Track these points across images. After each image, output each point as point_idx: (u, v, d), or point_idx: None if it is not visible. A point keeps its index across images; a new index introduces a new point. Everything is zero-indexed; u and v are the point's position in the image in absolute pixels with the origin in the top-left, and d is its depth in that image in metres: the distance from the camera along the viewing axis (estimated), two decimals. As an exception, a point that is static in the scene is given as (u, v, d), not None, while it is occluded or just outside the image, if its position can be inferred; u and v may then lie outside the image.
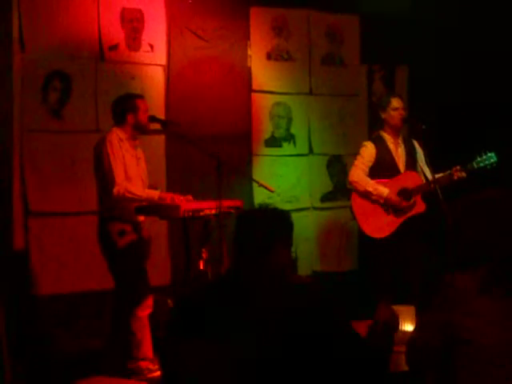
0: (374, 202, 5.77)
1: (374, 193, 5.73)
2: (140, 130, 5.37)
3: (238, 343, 2.52)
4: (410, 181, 5.77)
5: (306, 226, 7.37)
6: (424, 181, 5.80)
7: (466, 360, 2.42)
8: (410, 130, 6.74)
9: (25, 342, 5.54)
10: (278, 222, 2.80)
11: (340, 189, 7.35)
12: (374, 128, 6.59)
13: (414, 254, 5.82)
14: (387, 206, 5.74)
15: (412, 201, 5.72)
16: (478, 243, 2.54)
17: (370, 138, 6.12)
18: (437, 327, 2.49)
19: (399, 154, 5.88)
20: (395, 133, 5.90)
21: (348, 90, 7.64)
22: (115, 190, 5.05)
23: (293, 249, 7.46)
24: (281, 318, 2.52)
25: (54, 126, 6.06)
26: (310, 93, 7.42)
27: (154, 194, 5.20)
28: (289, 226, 2.82)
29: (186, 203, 5.09)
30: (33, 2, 5.92)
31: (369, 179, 5.78)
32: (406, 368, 2.97)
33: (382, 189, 5.73)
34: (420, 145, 5.92)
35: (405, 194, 5.72)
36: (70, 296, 6.00)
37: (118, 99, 5.38)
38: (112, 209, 5.16)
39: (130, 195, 5.06)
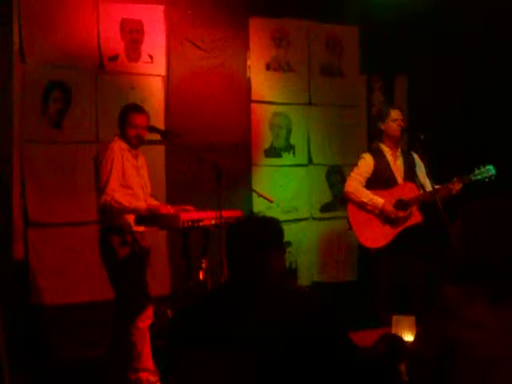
0: (370, 212, 5.77)
1: (369, 203, 5.73)
2: (127, 142, 5.28)
3: (239, 352, 2.52)
4: (407, 192, 5.77)
5: (305, 237, 7.37)
6: (421, 192, 5.81)
7: (464, 373, 2.41)
8: (409, 141, 6.75)
9: (25, 352, 5.53)
10: (268, 230, 2.81)
11: (339, 199, 7.35)
12: (373, 138, 6.60)
13: (413, 264, 5.83)
14: (383, 216, 5.75)
15: (408, 211, 5.72)
16: (480, 253, 2.53)
17: (368, 150, 6.12)
18: (434, 340, 2.48)
19: (397, 166, 5.88)
20: (394, 144, 5.90)
21: (347, 100, 7.65)
22: (102, 199, 5.03)
23: (293, 259, 7.49)
24: (279, 326, 2.53)
25: (53, 136, 6.07)
26: (310, 103, 7.44)
27: (142, 205, 5.17)
28: (279, 232, 2.83)
29: (186, 213, 5.09)
30: (33, 12, 5.94)
31: (364, 190, 5.78)
32: (405, 379, 2.98)
33: (377, 199, 5.73)
34: (420, 156, 5.92)
35: (401, 204, 5.72)
36: (69, 306, 5.99)
37: (123, 107, 5.37)
38: (112, 219, 5.15)
39: (116, 205, 5.03)
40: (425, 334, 2.57)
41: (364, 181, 5.82)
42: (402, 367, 2.96)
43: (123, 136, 5.26)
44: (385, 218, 5.74)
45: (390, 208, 5.70)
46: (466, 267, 2.55)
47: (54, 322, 5.93)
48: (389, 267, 5.79)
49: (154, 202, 5.42)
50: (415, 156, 5.98)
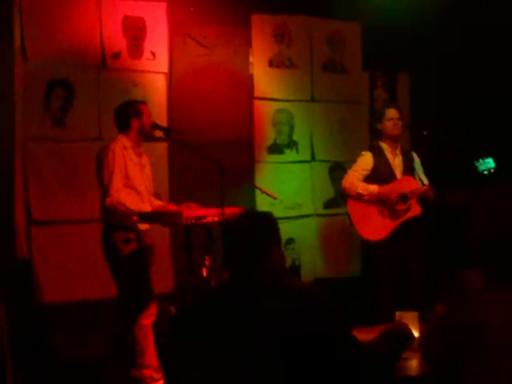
0: (369, 204, 5.80)
1: (365, 193, 5.79)
2: (144, 135, 5.38)
3: (240, 350, 2.51)
4: (406, 185, 5.81)
5: (308, 233, 7.37)
6: (420, 185, 5.86)
7: (485, 363, 2.37)
8: (412, 137, 6.75)
9: (28, 350, 5.53)
10: (265, 225, 2.80)
11: (342, 195, 7.34)
12: (375, 135, 6.59)
13: (415, 256, 5.86)
14: (382, 205, 5.78)
15: (408, 204, 5.76)
16: (499, 237, 2.48)
17: (368, 148, 6.16)
18: (454, 328, 2.43)
19: (397, 164, 5.93)
20: (393, 143, 5.95)
21: (350, 96, 7.64)
22: (108, 201, 5.07)
23: (296, 255, 7.48)
24: (281, 324, 2.52)
25: (56, 133, 6.07)
26: (312, 100, 7.42)
27: (147, 208, 5.20)
28: (274, 225, 2.82)
29: (189, 210, 5.09)
30: (35, 10, 5.93)
31: (360, 182, 5.83)
32: (411, 374, 2.97)
33: (373, 187, 5.79)
34: (422, 151, 5.96)
35: (401, 197, 5.76)
36: (73, 304, 5.98)
37: (122, 105, 5.39)
38: (116, 217, 5.15)
39: (122, 207, 5.06)
40: (445, 322, 2.51)
41: (361, 177, 5.87)
42: (407, 364, 2.96)
43: (141, 131, 5.32)
44: (384, 205, 5.76)
45: (387, 191, 5.73)
46: (486, 250, 2.50)
47: (57, 319, 5.93)
48: (390, 260, 5.82)
49: (157, 202, 5.44)
50: (414, 155, 6.04)
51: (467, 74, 7.20)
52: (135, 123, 5.31)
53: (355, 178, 5.86)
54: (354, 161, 6.11)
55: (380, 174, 5.87)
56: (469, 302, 2.43)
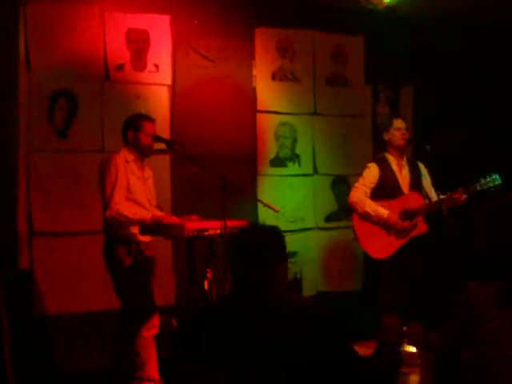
0: (375, 223, 5.77)
1: (373, 214, 5.75)
2: (139, 151, 5.33)
3: (242, 365, 2.51)
4: (412, 202, 5.77)
5: (310, 246, 7.36)
6: (427, 202, 5.82)
7: (493, 375, 2.36)
8: (414, 152, 6.74)
9: (29, 361, 5.52)
10: (271, 238, 2.81)
11: (344, 209, 7.33)
12: (378, 148, 6.59)
13: (418, 274, 5.82)
14: (388, 227, 5.75)
15: (414, 222, 5.73)
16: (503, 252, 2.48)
17: (373, 160, 6.13)
18: (462, 342, 2.43)
19: (403, 176, 5.89)
20: (399, 154, 5.92)
21: (353, 110, 7.65)
22: (107, 213, 5.07)
23: (298, 269, 7.45)
24: (281, 340, 2.52)
25: (59, 145, 6.07)
26: (315, 113, 7.43)
27: (147, 215, 5.18)
28: (281, 239, 2.84)
29: (191, 223, 5.08)
30: (39, 21, 5.95)
31: (368, 200, 5.80)
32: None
33: (382, 210, 5.73)
34: (425, 166, 5.94)
35: (407, 214, 5.73)
36: (74, 316, 5.98)
37: (128, 117, 5.38)
38: (118, 229, 5.15)
39: (121, 218, 5.05)
40: (453, 336, 2.50)
41: (369, 191, 5.84)
42: (407, 380, 2.95)
43: (135, 145, 5.28)
44: (390, 228, 5.74)
45: (394, 219, 5.70)
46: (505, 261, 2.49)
47: (59, 331, 5.92)
48: (395, 277, 5.78)
49: (158, 213, 5.42)
50: (421, 165, 6.00)
51: (471, 87, 7.20)
52: (130, 135, 5.27)
53: (363, 193, 5.82)
54: (356, 174, 6.10)
55: (386, 186, 5.84)
56: (476, 318, 2.42)
